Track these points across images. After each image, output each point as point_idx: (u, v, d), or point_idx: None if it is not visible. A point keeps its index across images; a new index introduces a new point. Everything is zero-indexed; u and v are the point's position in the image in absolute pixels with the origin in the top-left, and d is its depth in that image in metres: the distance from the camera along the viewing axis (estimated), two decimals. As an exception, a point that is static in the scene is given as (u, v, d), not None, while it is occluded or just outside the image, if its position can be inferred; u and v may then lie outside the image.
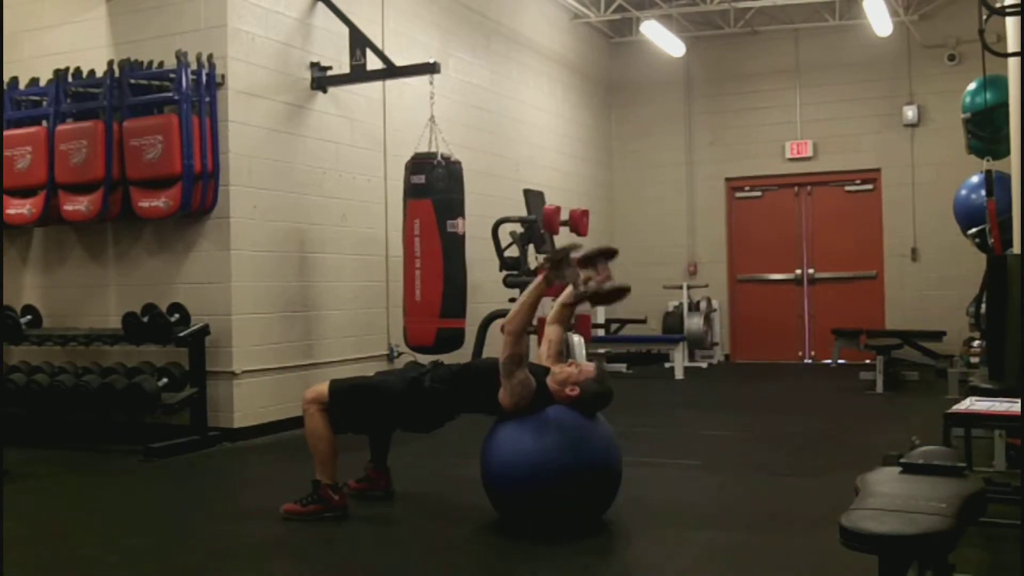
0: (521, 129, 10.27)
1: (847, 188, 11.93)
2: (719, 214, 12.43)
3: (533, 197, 8.41)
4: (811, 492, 4.70)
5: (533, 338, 5.08)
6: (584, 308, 8.00)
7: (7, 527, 3.33)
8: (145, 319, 6.26)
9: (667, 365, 10.65)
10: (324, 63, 7.17)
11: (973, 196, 7.18)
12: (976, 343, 8.03)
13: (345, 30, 7.09)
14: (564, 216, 8.10)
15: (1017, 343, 4.47)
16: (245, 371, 6.42)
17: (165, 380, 6.20)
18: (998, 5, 5.03)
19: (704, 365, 11.36)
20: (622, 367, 10.72)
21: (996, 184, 6.07)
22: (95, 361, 6.60)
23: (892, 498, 2.45)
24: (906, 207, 11.41)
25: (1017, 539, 3.21)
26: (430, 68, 6.92)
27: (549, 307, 4.49)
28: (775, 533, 3.96)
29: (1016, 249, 5.24)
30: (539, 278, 4.00)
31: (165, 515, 4.55)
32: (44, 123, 6.67)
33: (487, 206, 8.36)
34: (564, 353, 4.38)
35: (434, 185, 6.52)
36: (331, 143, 7.33)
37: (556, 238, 7.95)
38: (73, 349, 6.75)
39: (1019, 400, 3.43)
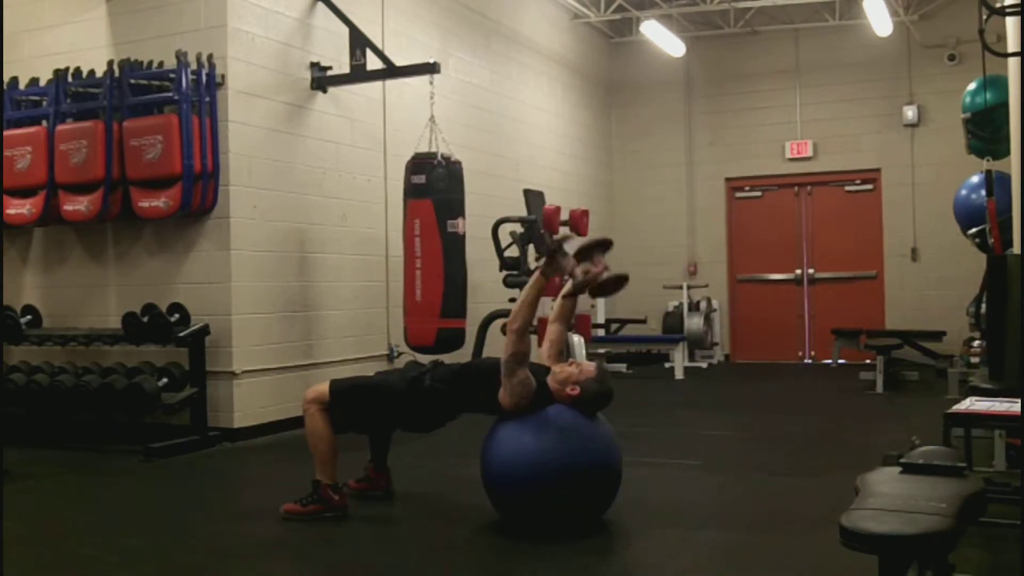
0: (521, 129, 10.27)
1: (847, 188, 11.93)
2: (719, 214, 12.44)
3: (533, 197, 8.41)
4: (811, 492, 4.70)
5: (533, 338, 5.07)
6: (584, 308, 8.02)
7: (7, 527, 3.33)
8: (145, 319, 6.26)
9: (667, 365, 10.65)
10: (324, 63, 7.17)
11: (973, 196, 7.18)
12: (976, 343, 8.03)
13: (345, 30, 7.09)
14: (564, 216, 8.10)
15: (1017, 343, 4.47)
16: (245, 371, 6.43)
17: (165, 380, 6.20)
18: (998, 5, 5.02)
19: (704, 365, 11.36)
20: (622, 367, 10.72)
21: (996, 184, 6.06)
22: (95, 361, 6.60)
23: (892, 498, 2.45)
24: (906, 207, 11.41)
25: (1017, 539, 3.21)
26: (430, 68, 6.92)
27: (550, 308, 4.50)
28: (775, 533, 3.96)
29: (1016, 249, 5.24)
30: (536, 273, 4.02)
31: (165, 515, 4.55)
32: (44, 123, 6.67)
33: (487, 206, 8.36)
34: (564, 353, 4.38)
35: (434, 185, 6.52)
36: (331, 143, 7.33)
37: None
38: (73, 349, 6.75)
39: (1019, 400, 3.43)
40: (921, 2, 11.09)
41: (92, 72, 6.58)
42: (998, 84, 6.09)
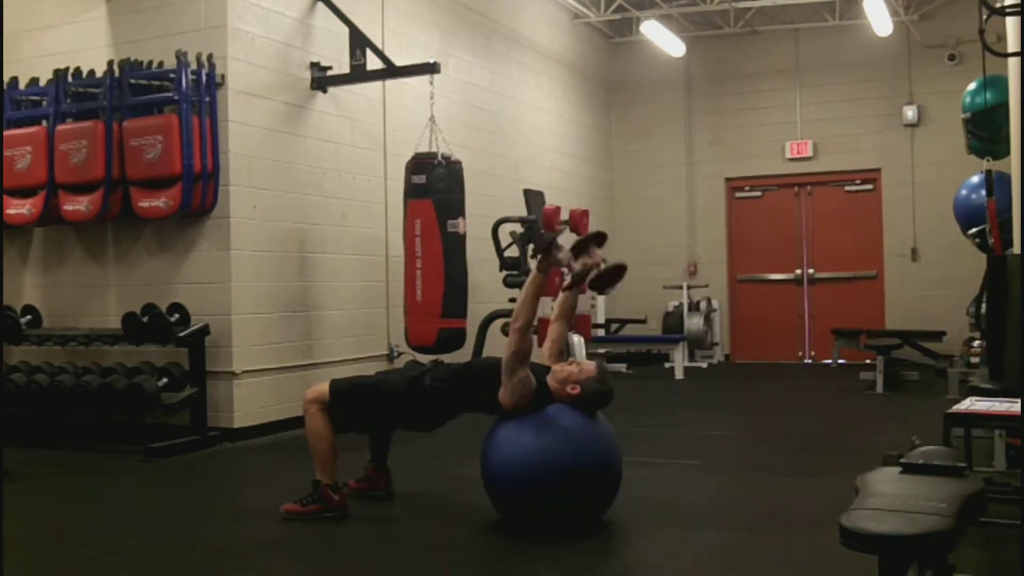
0: (521, 129, 10.27)
1: (847, 188, 11.93)
2: (719, 214, 12.44)
3: (533, 197, 8.41)
4: (811, 492, 4.70)
5: (534, 339, 5.07)
6: (584, 308, 8.01)
7: (7, 527, 3.33)
8: (145, 319, 6.26)
9: (667, 365, 10.65)
10: (324, 63, 7.17)
11: (973, 196, 7.18)
12: (976, 343, 8.03)
13: (345, 30, 7.09)
14: (564, 216, 8.10)
15: (1017, 343, 4.47)
16: (245, 371, 6.42)
17: (165, 380, 6.20)
18: (998, 5, 5.02)
19: (704, 365, 11.35)
20: (622, 367, 10.72)
21: (996, 184, 6.06)
22: (95, 361, 6.60)
23: (892, 498, 2.45)
24: (906, 207, 11.41)
25: (1017, 539, 3.21)
26: (430, 68, 6.92)
27: (550, 308, 4.51)
28: (775, 533, 3.96)
29: (1016, 249, 5.24)
30: (534, 270, 4.03)
31: (165, 515, 4.55)
32: (44, 123, 6.67)
33: (487, 206, 8.36)
34: (565, 353, 4.38)
35: (435, 185, 6.52)
36: (331, 143, 7.33)
37: (560, 241, 7.93)
38: (73, 349, 6.75)
39: (1019, 400, 3.42)
40: (921, 2, 11.09)
41: (92, 72, 6.58)
42: (998, 84, 6.09)
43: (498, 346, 4.10)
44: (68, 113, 6.61)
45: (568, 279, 4.18)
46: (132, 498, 4.96)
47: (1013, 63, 5.24)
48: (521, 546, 3.79)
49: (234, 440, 6.34)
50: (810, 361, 11.95)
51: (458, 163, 6.68)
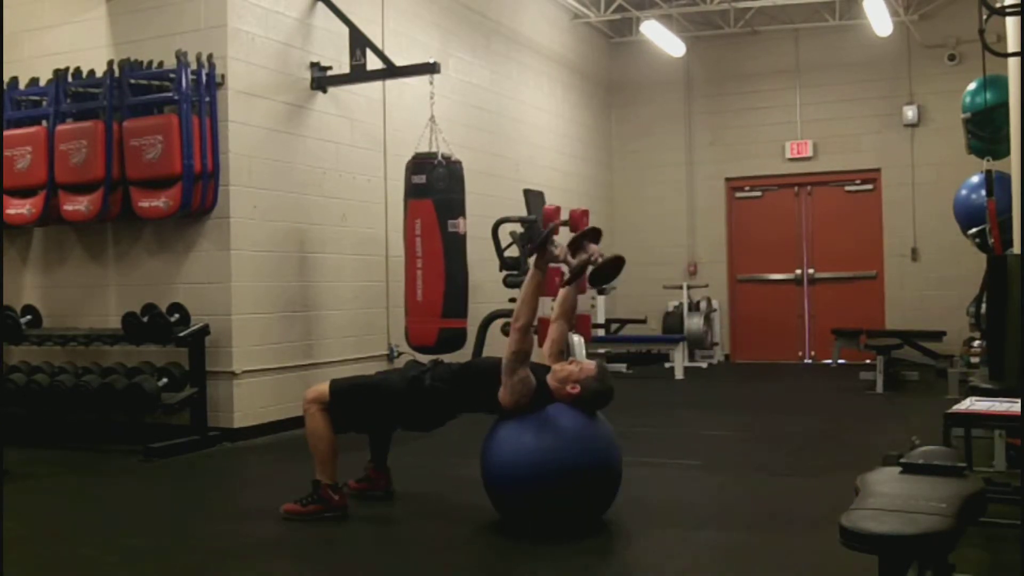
0: (521, 129, 10.27)
1: (847, 188, 11.93)
2: (719, 214, 12.44)
3: (533, 197, 8.41)
4: (811, 492, 4.70)
5: (534, 339, 5.07)
6: (584, 308, 8.01)
7: (7, 527, 3.33)
8: (145, 319, 6.26)
9: (667, 365, 10.65)
10: (324, 63, 7.17)
11: (973, 196, 7.18)
12: (976, 343, 8.03)
13: (345, 30, 7.09)
14: (564, 216, 8.10)
15: (1017, 343, 4.47)
16: (245, 371, 6.43)
17: (165, 380, 6.20)
18: (998, 5, 5.02)
19: (704, 365, 11.35)
20: (622, 367, 10.72)
21: (996, 184, 6.06)
22: (95, 361, 6.60)
23: (892, 498, 2.45)
24: (906, 207, 11.41)
25: (1017, 539, 3.21)
26: (430, 68, 6.92)
27: (550, 308, 4.51)
28: (775, 533, 3.96)
29: (1016, 249, 5.24)
30: (532, 268, 4.03)
31: (165, 515, 4.55)
32: (44, 123, 6.67)
33: (487, 206, 8.37)
34: (565, 352, 4.38)
35: (435, 185, 6.52)
36: (331, 143, 7.33)
37: (556, 238, 7.94)
38: (73, 349, 6.75)
39: (1019, 400, 3.43)
40: (921, 2, 11.09)
41: (92, 72, 6.58)
42: (998, 84, 6.09)
43: (498, 346, 4.10)
44: (68, 113, 6.61)
45: (566, 275, 4.18)
46: (132, 498, 4.96)
47: (1013, 63, 5.24)
48: (521, 546, 3.79)
49: (234, 440, 6.34)
50: (810, 361, 11.95)
51: (458, 163, 6.68)
